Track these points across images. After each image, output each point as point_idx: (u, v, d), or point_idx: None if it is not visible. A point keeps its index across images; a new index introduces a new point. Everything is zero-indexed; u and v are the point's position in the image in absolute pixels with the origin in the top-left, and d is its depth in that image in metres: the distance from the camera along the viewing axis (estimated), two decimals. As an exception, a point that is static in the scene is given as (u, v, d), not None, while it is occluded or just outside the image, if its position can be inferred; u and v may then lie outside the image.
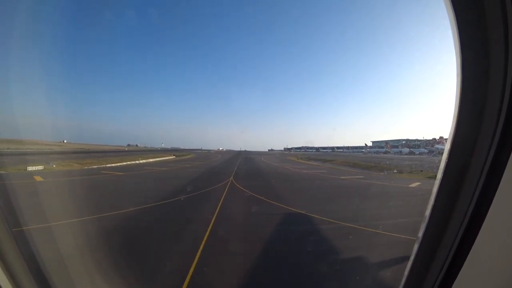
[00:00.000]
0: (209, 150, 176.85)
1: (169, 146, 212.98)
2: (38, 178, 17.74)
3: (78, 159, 34.33)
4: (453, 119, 1.23)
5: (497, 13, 1.04)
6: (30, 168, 24.06)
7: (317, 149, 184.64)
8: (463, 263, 1.16)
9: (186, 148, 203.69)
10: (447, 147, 1.28)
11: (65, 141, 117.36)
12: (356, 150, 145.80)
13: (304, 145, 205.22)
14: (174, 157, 63.99)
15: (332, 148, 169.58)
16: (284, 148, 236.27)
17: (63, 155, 46.82)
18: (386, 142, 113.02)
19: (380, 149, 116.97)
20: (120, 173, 22.24)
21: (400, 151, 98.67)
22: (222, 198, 12.62)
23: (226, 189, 15.31)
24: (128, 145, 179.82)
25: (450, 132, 1.26)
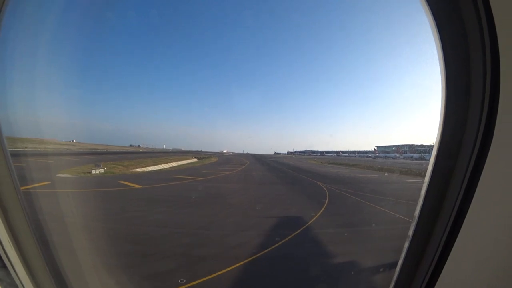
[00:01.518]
0: (222, 153, 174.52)
1: (170, 147, 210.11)
2: (134, 185, 16.67)
3: (115, 161, 33.13)
4: (439, 127, 1.37)
5: (475, 32, 1.18)
6: (94, 171, 22.85)
7: (322, 153, 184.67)
8: (447, 258, 1.28)
9: (188, 150, 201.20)
10: (433, 152, 1.39)
11: (74, 141, 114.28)
12: (362, 154, 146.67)
13: (308, 149, 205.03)
14: (196, 159, 62.88)
15: (337, 152, 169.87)
16: (288, 152, 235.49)
17: (95, 156, 45.19)
18: (397, 147, 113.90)
19: (389, 154, 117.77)
20: (199, 178, 21.26)
21: (411, 156, 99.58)
22: (371, 204, 12.01)
23: (346, 194, 14.71)
24: (131, 145, 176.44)
25: (436, 139, 1.38)
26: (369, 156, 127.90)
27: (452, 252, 1.27)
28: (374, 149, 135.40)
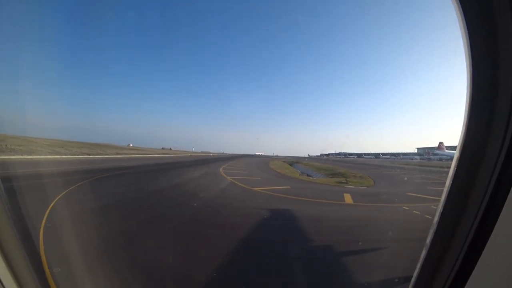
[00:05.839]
0: (260, 156, 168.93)
1: (199, 150, 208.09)
2: None
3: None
4: (463, 127, 1.25)
5: (508, 24, 1.06)
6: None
7: (359, 155, 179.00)
8: (472, 270, 1.16)
9: (216, 152, 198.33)
10: (456, 154, 1.29)
11: (131, 145, 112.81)
12: (406, 157, 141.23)
13: (342, 151, 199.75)
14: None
15: (377, 154, 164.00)
16: (321, 154, 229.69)
17: (214, 165, 42.43)
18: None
19: (443, 156, 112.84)
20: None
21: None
22: None
23: None
24: (163, 148, 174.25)
25: (459, 140, 1.27)
26: (415, 158, 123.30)
27: (476, 267, 1.14)
28: (428, 152, 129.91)
